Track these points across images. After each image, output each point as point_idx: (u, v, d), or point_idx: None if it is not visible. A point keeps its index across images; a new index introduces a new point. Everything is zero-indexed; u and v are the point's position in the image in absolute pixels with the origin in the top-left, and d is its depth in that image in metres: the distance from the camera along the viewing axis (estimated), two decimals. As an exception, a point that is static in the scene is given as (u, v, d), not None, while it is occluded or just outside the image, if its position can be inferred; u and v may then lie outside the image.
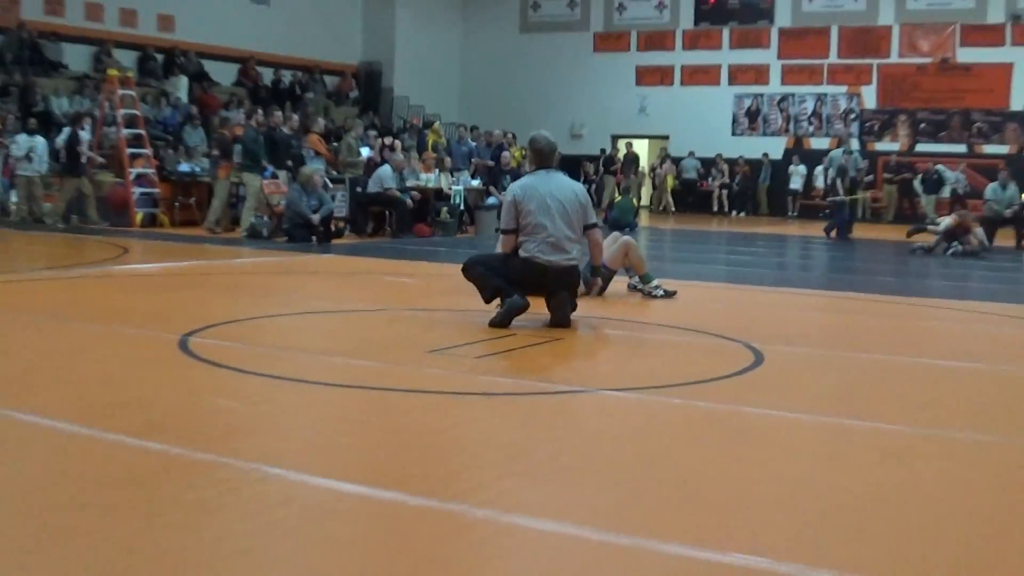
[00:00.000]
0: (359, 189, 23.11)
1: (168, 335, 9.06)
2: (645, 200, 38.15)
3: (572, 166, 32.07)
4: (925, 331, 11.91)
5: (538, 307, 10.23)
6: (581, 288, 10.95)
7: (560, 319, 10.30)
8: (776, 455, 6.08)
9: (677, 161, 37.61)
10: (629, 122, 38.46)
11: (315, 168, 21.70)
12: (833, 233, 26.76)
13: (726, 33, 37.34)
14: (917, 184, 33.55)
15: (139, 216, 22.41)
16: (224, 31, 33.39)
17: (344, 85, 37.61)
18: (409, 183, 23.86)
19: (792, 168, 35.66)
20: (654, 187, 38.18)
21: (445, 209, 24.67)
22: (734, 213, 36.32)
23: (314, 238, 19.97)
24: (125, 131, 23.18)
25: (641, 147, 38.27)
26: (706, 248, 23.87)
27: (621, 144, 37.21)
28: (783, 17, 36.42)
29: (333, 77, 37.44)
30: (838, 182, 26.53)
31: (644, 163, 37.56)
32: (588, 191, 11.85)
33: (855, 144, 31.00)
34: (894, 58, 35.05)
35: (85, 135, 22.70)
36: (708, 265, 16.12)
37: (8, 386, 7.09)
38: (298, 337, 9.98)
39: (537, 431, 6.69)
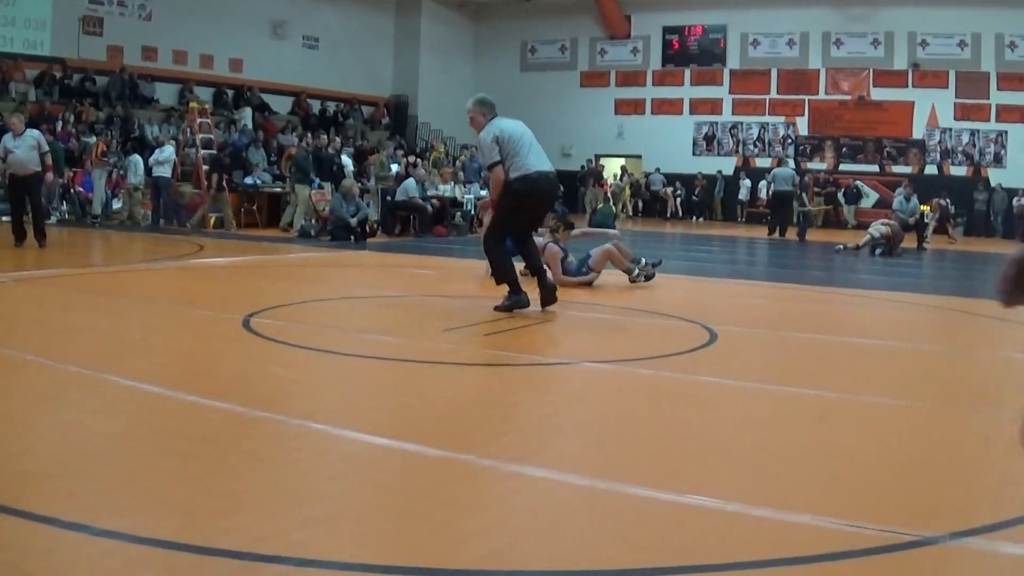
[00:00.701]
0: (389, 198, 23.10)
1: (234, 315, 9.03)
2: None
3: (568, 180, 32.04)
4: (850, 315, 11.88)
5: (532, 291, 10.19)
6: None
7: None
8: (726, 416, 6.07)
9: (647, 176, 37.63)
10: (609, 144, 38.47)
11: (352, 182, 21.71)
12: (779, 233, 27.04)
13: (688, 73, 37.34)
14: (840, 196, 34.00)
15: (212, 219, 22.39)
16: (282, 71, 33.41)
17: (377, 113, 37.60)
18: (430, 192, 23.88)
19: (740, 182, 35.83)
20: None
21: (459, 214, 24.78)
22: (694, 218, 36.31)
23: (352, 237, 19.95)
24: (203, 151, 23.17)
25: (619, 164, 38.25)
26: (670, 247, 23.81)
27: (605, 162, 37.41)
28: (733, 61, 36.48)
29: (368, 107, 37.42)
30: (804, 196, 26.75)
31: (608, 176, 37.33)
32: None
33: (791, 163, 31.19)
34: (822, 95, 35.18)
35: (172, 154, 22.76)
36: (672, 261, 16.11)
37: (106, 356, 7.07)
38: (338, 317, 9.95)
39: (532, 395, 6.68)
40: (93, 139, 24.46)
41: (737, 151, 36.72)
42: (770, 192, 28.77)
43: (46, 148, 15.91)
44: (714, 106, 36.92)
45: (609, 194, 33.24)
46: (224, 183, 22.42)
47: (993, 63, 32.58)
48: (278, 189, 24.10)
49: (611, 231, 15.23)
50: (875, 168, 34.44)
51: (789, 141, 35.72)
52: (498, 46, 40.25)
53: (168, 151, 22.55)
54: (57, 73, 27.64)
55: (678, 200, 36.96)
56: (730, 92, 36.59)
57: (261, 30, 33.16)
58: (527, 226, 10.34)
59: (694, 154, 37.30)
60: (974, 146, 33.24)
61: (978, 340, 10.10)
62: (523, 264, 10.37)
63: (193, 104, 25.40)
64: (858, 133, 34.68)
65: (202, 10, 30.84)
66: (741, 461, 5.00)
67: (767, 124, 36.17)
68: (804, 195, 27.07)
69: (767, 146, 36.07)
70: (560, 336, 9.32)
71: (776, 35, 35.75)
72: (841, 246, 22.03)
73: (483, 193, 25.53)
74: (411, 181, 23.16)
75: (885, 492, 4.48)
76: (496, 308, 9.99)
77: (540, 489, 4.44)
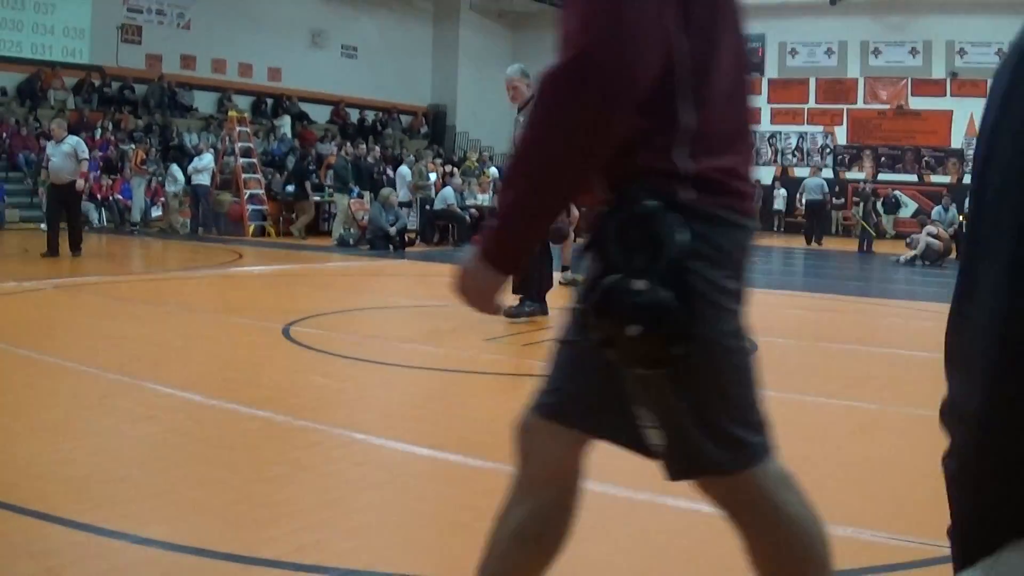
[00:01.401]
0: (428, 207, 23.14)
1: (273, 324, 9.06)
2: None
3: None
4: (889, 326, 11.79)
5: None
6: None
7: None
8: (767, 427, 6.01)
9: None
10: (647, 154, 38.40)
11: (391, 191, 21.75)
12: (816, 242, 27.52)
13: (726, 83, 37.24)
14: (879, 206, 33.67)
15: (251, 228, 22.50)
16: (320, 80, 33.49)
17: (416, 123, 37.66)
18: (468, 202, 23.90)
19: (775, 192, 35.62)
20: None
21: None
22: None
23: (391, 246, 19.99)
24: (242, 160, 23.29)
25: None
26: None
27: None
28: (772, 70, 36.26)
29: (407, 116, 37.48)
30: (863, 208, 26.82)
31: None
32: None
33: (824, 173, 31.06)
34: (860, 104, 34.95)
35: (210, 162, 22.85)
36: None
37: (146, 363, 7.10)
38: (379, 326, 9.96)
39: (572, 405, 6.64)
40: (132, 147, 24.64)
41: (775, 160, 36.55)
42: (803, 201, 28.97)
43: (85, 155, 15.69)
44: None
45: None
46: (306, 192, 22.67)
47: (1031, 72, 32.28)
48: (317, 198, 24.20)
49: None
50: (913, 178, 34.21)
51: (828, 150, 35.53)
52: (536, 55, 39.90)
53: (207, 159, 22.68)
54: (96, 81, 27.86)
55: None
56: (768, 101, 36.39)
57: (300, 39, 33.26)
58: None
59: (733, 164, 37.22)
60: (1013, 156, 32.98)
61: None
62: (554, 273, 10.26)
63: (232, 113, 25.55)
64: (896, 142, 34.44)
65: (241, 19, 30.97)
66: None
67: (805, 133, 35.97)
68: (863, 206, 27.11)
69: (805, 155, 35.89)
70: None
71: (814, 44, 35.56)
72: (901, 257, 21.78)
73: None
74: (449, 190, 23.18)
75: (927, 505, 4.41)
76: (505, 314, 9.60)
77: (584, 502, 4.40)
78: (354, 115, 34.94)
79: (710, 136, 2.07)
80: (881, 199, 33.78)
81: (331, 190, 23.06)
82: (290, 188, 23.86)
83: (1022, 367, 1.21)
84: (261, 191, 23.38)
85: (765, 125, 36.47)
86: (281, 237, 22.42)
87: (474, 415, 6.03)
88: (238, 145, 23.57)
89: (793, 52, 35.98)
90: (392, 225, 20.18)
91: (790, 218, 34.79)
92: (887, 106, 34.51)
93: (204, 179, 22.52)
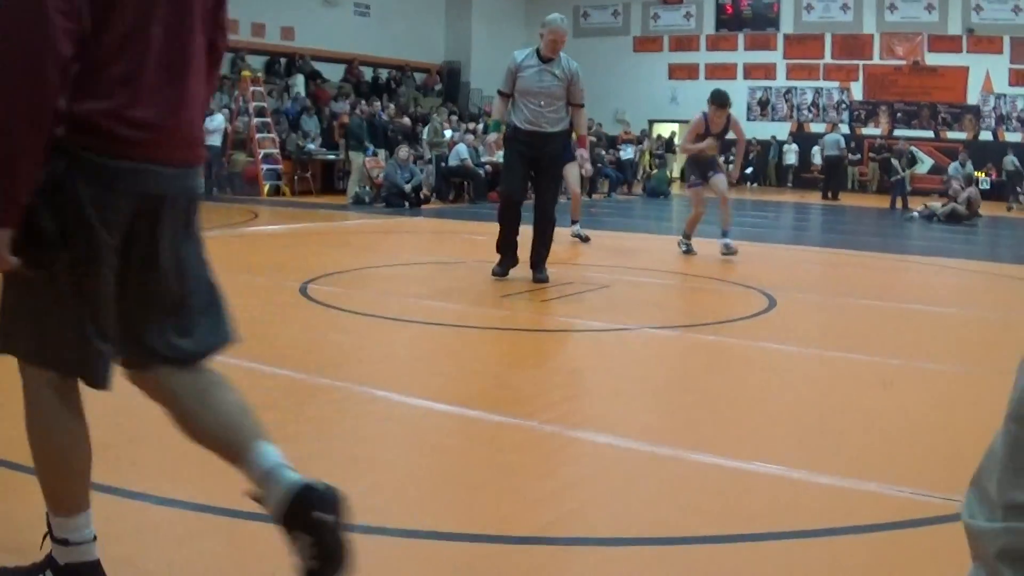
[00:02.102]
0: (443, 164, 23.04)
1: (290, 282, 9.05)
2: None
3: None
4: (910, 282, 11.74)
5: (606, 263, 10.12)
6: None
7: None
8: (790, 382, 6.00)
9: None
10: (663, 109, 38.12)
11: (409, 149, 21.68)
12: (832, 197, 28.11)
13: (741, 37, 36.94)
14: (895, 162, 33.50)
15: (266, 187, 22.47)
16: (333, 38, 33.32)
17: (430, 80, 37.51)
18: (484, 159, 23.78)
19: (786, 147, 35.50)
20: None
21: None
22: (748, 184, 35.96)
23: (406, 204, 19.96)
24: (255, 119, 23.23)
25: (669, 130, 37.89)
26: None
27: (658, 127, 37.15)
28: (787, 25, 36.04)
29: (421, 73, 37.32)
30: (898, 163, 26.59)
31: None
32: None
33: (842, 129, 30.90)
34: (876, 60, 34.68)
35: (222, 123, 22.73)
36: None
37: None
38: (396, 284, 9.94)
39: (593, 361, 6.63)
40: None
41: (791, 116, 36.38)
42: (822, 156, 28.94)
43: None
44: (768, 71, 36.55)
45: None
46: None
47: (1048, 28, 32.06)
48: (332, 156, 24.13)
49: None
50: (930, 134, 33.98)
51: (844, 106, 35.33)
52: (549, 10, 39.82)
53: (218, 120, 22.52)
54: (108, 43, 27.71)
55: (729, 167, 36.62)
56: (784, 57, 36.18)
57: (313, -2, 33.14)
58: None
59: (748, 119, 36.84)
60: (1029, 112, 32.79)
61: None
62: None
63: (245, 72, 25.43)
64: (912, 99, 34.20)
65: (253, -22, 30.85)
66: (805, 428, 4.93)
67: (821, 89, 35.74)
68: (898, 162, 26.86)
69: (821, 111, 35.70)
70: (619, 302, 9.22)
71: (830, -1, 35.37)
72: (915, 213, 21.68)
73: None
74: (462, 146, 23.05)
75: (951, 460, 4.39)
76: (493, 273, 9.83)
77: (604, 455, 4.39)
78: (368, 73, 34.82)
79: (95, 78, 2.37)
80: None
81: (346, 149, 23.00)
82: (312, 147, 23.89)
83: None
84: (276, 151, 23.32)
85: (781, 81, 36.31)
86: (296, 196, 22.39)
87: (494, 371, 6.02)
88: (252, 105, 23.50)
89: (809, 7, 35.72)
90: (407, 183, 20.15)
91: (806, 174, 34.66)
92: (903, 62, 34.26)
93: (215, 140, 22.34)
